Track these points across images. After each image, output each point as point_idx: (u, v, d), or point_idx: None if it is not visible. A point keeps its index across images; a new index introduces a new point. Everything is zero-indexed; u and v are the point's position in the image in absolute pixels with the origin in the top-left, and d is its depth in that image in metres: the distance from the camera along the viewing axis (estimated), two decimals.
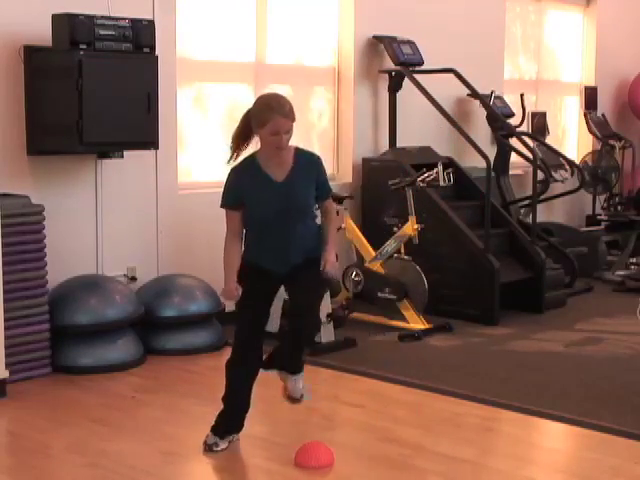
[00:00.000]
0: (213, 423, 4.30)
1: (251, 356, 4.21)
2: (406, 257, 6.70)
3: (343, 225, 6.83)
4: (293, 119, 3.97)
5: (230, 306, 6.38)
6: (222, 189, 4.12)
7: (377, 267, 6.74)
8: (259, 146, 4.10)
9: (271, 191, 4.02)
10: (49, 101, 5.47)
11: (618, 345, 6.40)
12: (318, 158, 4.22)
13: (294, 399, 4.36)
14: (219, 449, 4.24)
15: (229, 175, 4.11)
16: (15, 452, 4.45)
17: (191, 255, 6.48)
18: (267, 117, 3.91)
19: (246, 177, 4.05)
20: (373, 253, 6.79)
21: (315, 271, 4.10)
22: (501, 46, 9.05)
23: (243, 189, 4.04)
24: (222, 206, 4.12)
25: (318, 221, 4.25)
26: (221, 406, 4.31)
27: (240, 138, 4.11)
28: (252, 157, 4.10)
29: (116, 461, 4.15)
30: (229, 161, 4.14)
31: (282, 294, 6.26)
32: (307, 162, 4.14)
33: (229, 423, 4.31)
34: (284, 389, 4.35)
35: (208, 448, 4.25)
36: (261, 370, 4.29)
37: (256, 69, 7.08)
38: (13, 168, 5.55)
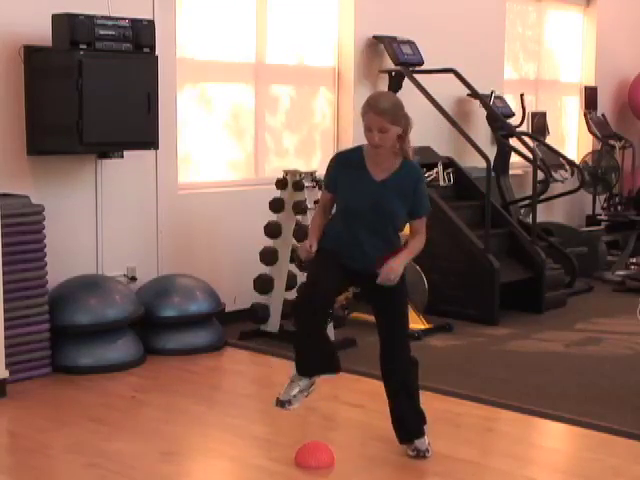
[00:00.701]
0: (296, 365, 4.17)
1: (316, 294, 4.00)
2: None
3: None
4: (390, 120, 3.92)
5: (230, 306, 6.41)
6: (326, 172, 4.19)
7: None
8: None
9: (366, 187, 4.02)
10: (49, 101, 5.47)
11: (618, 345, 6.40)
12: (422, 173, 4.20)
13: (419, 451, 4.24)
14: (290, 408, 4.14)
15: (333, 159, 4.19)
16: (15, 452, 4.45)
17: (191, 255, 6.48)
18: (362, 112, 4.00)
19: (347, 166, 4.09)
20: None
21: (397, 296, 4.09)
22: (501, 46, 9.05)
23: (340, 177, 4.08)
24: (322, 187, 4.24)
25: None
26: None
27: None
28: (359, 149, 4.14)
29: (116, 461, 4.15)
30: None
31: (282, 294, 6.30)
32: (411, 172, 4.08)
33: (304, 363, 4.15)
34: (411, 449, 4.25)
35: (280, 404, 4.15)
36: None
37: (256, 69, 7.08)
38: (13, 168, 5.55)
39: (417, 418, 4.25)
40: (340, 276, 4.07)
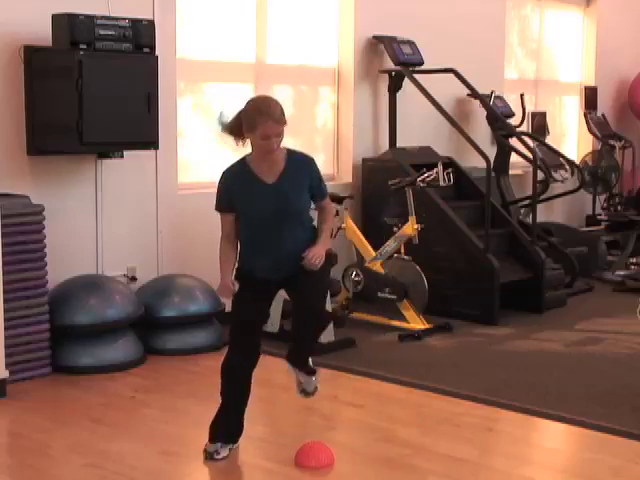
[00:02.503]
0: (209, 432, 4.22)
1: (244, 357, 4.15)
2: (406, 257, 6.70)
3: (343, 225, 6.83)
4: (284, 123, 3.94)
5: (230, 305, 6.40)
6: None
7: (377, 267, 6.74)
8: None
9: (261, 193, 4.00)
10: (49, 101, 5.47)
11: (618, 345, 6.40)
12: (310, 159, 4.16)
13: (307, 392, 4.40)
14: (220, 457, 4.17)
15: (220, 178, 4.11)
16: (15, 452, 4.45)
17: (191, 255, 6.48)
18: (257, 122, 3.89)
19: (237, 180, 4.04)
20: (373, 253, 6.79)
21: (313, 272, 4.05)
22: (501, 46, 9.06)
23: (233, 193, 4.03)
24: (216, 209, 4.13)
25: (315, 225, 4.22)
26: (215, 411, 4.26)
27: (233, 134, 4.08)
28: (243, 160, 4.09)
29: (116, 461, 4.15)
30: (237, 145, 4.12)
31: (282, 294, 6.28)
32: (299, 163, 4.09)
33: (228, 427, 4.24)
34: (297, 383, 4.39)
35: (209, 456, 4.17)
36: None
37: (256, 69, 7.08)
38: (13, 168, 5.55)
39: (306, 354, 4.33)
40: (263, 302, 4.24)
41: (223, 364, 4.19)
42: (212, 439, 4.21)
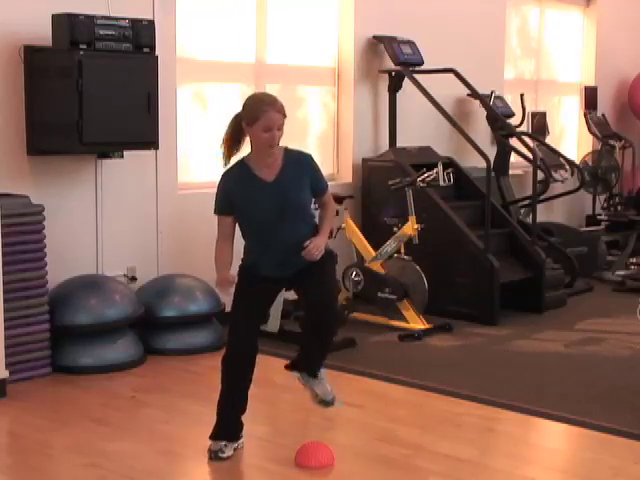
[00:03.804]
0: (212, 430, 4.22)
1: (244, 356, 4.16)
2: (406, 257, 6.70)
3: (343, 225, 6.83)
4: (285, 115, 3.97)
5: (229, 305, 6.40)
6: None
7: (377, 267, 6.74)
8: (249, 150, 4.10)
9: (262, 192, 4.01)
10: (49, 101, 5.47)
11: (618, 345, 6.40)
12: (308, 156, 4.17)
13: (326, 402, 4.32)
14: (225, 456, 4.17)
15: (219, 182, 4.12)
16: (15, 452, 4.45)
17: (191, 255, 6.47)
18: (260, 112, 3.90)
19: (236, 181, 4.05)
20: (373, 253, 6.79)
21: (322, 268, 4.08)
22: (501, 46, 9.05)
23: (233, 194, 4.05)
24: (215, 212, 4.14)
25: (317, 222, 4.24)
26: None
27: (231, 141, 4.08)
28: (241, 161, 4.10)
29: (116, 461, 4.15)
30: (224, 165, 4.12)
31: (282, 294, 6.28)
32: (297, 161, 4.10)
33: (227, 426, 4.23)
34: (313, 395, 4.33)
35: (214, 455, 4.17)
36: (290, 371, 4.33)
37: (256, 69, 7.08)
38: (13, 168, 5.55)
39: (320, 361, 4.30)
40: (263, 302, 4.29)
41: (222, 359, 4.19)
42: (214, 436, 4.21)
